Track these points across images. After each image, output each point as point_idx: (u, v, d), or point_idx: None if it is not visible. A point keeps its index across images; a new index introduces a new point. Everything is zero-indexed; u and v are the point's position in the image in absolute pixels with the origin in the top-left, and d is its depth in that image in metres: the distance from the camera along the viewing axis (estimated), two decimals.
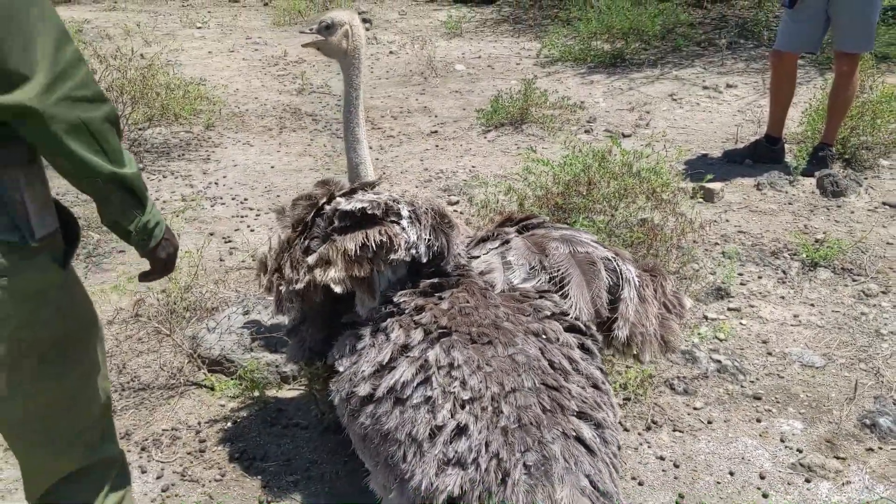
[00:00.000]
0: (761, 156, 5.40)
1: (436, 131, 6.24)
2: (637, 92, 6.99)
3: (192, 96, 6.11)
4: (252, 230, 4.53)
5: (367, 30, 9.16)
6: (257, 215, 4.75)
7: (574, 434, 1.93)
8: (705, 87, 6.99)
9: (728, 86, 6.99)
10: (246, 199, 4.96)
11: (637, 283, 2.42)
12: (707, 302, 3.79)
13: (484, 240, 2.55)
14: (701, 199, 4.54)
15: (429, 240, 2.21)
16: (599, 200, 3.78)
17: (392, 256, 2.17)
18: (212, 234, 4.45)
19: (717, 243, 4.35)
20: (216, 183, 5.19)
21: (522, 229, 2.57)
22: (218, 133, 6.10)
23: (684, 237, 3.85)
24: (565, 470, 1.86)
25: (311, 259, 2.24)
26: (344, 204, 2.27)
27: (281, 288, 2.34)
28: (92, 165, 1.54)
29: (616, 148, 3.96)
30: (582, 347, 2.17)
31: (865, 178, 5.10)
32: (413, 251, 2.20)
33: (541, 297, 2.26)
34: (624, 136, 5.91)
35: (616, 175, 3.85)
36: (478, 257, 2.47)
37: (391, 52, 8.48)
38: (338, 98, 7.04)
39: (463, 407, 1.92)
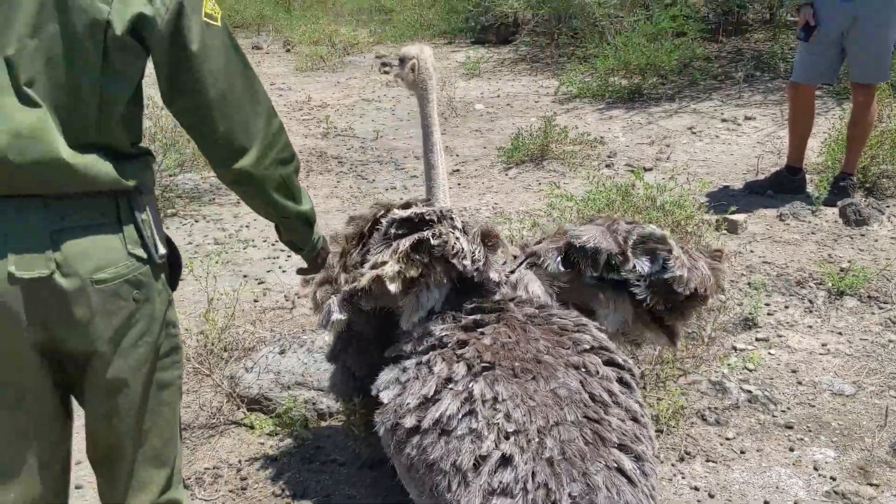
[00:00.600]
0: (783, 186, 5.45)
1: (458, 170, 6.35)
2: (656, 126, 7.08)
3: None
4: (284, 271, 4.63)
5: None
6: (288, 256, 4.85)
7: (615, 465, 1.97)
8: (724, 120, 7.07)
9: (746, 118, 7.06)
10: (277, 241, 5.06)
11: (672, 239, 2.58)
12: (735, 333, 3.82)
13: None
14: (725, 231, 4.59)
15: (474, 253, 2.29)
16: None
17: (448, 255, 2.24)
18: (245, 276, 4.55)
19: (742, 274, 4.39)
20: (247, 226, 5.30)
21: None
22: None
23: None
24: (607, 500, 1.90)
25: (366, 267, 2.32)
26: (400, 213, 2.37)
27: (333, 295, 2.42)
28: (286, 208, 1.88)
29: (639, 182, 4.05)
30: (620, 381, 2.22)
31: (887, 207, 5.13)
32: (465, 262, 2.26)
33: (578, 331, 2.32)
34: (645, 169, 5.97)
35: (640, 209, 3.93)
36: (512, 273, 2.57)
37: (412, 94, 8.63)
38: (361, 141, 7.19)
39: (507, 438, 1.96)
